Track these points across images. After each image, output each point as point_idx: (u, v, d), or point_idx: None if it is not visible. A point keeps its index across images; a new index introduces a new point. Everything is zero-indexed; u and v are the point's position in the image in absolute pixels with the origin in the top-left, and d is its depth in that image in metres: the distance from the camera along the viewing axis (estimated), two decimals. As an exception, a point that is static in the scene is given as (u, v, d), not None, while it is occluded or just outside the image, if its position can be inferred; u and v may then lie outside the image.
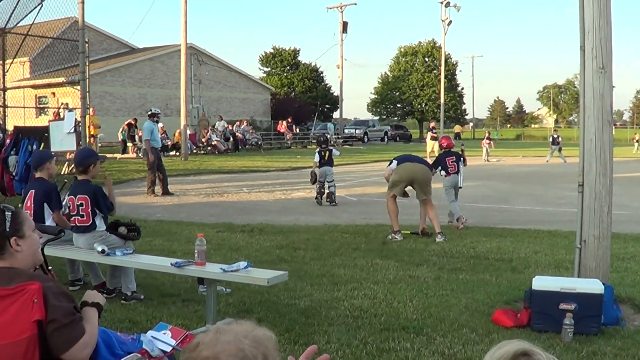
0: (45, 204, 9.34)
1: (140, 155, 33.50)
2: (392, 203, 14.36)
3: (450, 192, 16.25)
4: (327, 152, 20.55)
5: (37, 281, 3.92)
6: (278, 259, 11.81)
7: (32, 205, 9.26)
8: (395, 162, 14.63)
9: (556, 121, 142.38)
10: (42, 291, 3.86)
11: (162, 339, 4.76)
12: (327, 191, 20.43)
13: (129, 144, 42.72)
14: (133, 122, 44.65)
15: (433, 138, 44.26)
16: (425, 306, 8.77)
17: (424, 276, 10.52)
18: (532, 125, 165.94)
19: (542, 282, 8.11)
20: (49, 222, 9.27)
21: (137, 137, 40.09)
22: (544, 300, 7.83)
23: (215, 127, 49.35)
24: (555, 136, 44.53)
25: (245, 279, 7.64)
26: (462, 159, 16.62)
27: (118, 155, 39.47)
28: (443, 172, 16.18)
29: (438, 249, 12.75)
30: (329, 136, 28.30)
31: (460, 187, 16.63)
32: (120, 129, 44.05)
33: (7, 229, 4.08)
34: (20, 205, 7.79)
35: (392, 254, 12.31)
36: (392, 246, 13.17)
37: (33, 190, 9.41)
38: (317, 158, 20.58)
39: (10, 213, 4.14)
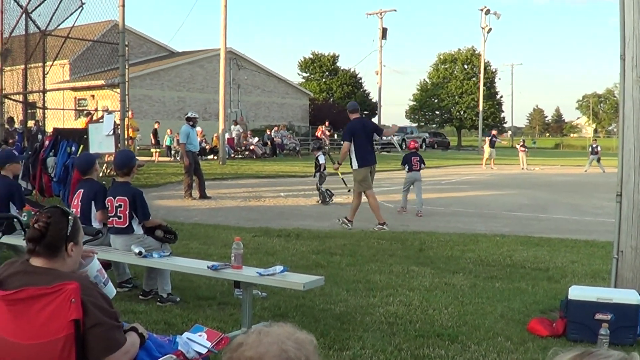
0: (93, 203, 9.47)
1: (178, 158, 33.79)
2: (358, 199, 16.69)
3: (408, 184, 19.86)
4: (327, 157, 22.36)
5: (76, 281, 3.96)
6: (314, 264, 11.81)
7: (80, 204, 9.40)
8: (350, 142, 16.19)
9: (595, 131, 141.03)
10: (80, 291, 3.89)
11: (197, 340, 4.81)
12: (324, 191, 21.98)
13: (152, 150, 42.92)
14: (157, 127, 45.18)
15: (492, 145, 45.19)
16: (461, 314, 8.75)
17: (460, 284, 10.49)
18: (571, 135, 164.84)
19: (578, 292, 8.07)
20: (94, 223, 9.41)
21: (175, 141, 40.37)
22: (580, 310, 7.79)
23: (231, 130, 48.88)
24: (594, 146, 44.09)
25: (281, 283, 7.62)
26: (422, 160, 20.27)
27: (156, 159, 39.70)
28: (407, 168, 19.74)
29: (474, 257, 12.69)
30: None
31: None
32: (165, 135, 44.46)
33: (68, 234, 4.13)
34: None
35: (428, 261, 12.28)
36: (429, 253, 13.13)
37: (82, 190, 9.56)
38: (323, 159, 22.17)
39: (72, 218, 4.19)
